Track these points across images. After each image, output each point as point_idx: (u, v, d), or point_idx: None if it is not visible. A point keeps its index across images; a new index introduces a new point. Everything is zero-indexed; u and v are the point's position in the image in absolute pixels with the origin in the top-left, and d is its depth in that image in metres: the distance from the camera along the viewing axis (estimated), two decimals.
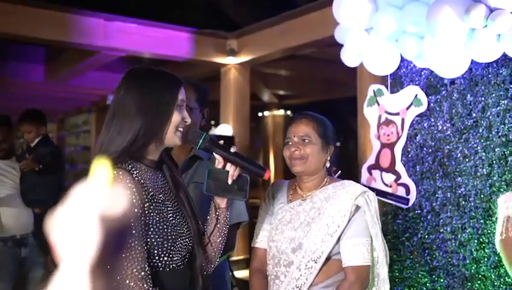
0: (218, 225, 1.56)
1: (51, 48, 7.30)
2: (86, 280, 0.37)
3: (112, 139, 1.36)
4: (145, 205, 1.32)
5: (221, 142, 1.54)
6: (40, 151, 3.87)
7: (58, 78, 7.91)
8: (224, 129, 6.23)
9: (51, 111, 11.00)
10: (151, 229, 1.32)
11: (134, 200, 1.28)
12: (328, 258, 1.78)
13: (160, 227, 1.34)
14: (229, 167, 1.52)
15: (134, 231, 1.26)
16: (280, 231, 1.85)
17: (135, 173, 1.34)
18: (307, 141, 1.85)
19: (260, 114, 11.10)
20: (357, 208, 1.80)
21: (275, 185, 2.02)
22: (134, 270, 1.23)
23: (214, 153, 1.54)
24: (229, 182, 1.52)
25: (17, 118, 4.06)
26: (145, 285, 1.24)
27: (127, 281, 1.22)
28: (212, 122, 8.00)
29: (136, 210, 1.28)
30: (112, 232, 0.39)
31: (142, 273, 1.25)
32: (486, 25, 2.23)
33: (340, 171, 2.02)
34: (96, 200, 0.39)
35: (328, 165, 1.92)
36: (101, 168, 0.40)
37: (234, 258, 5.77)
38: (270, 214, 1.95)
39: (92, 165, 0.41)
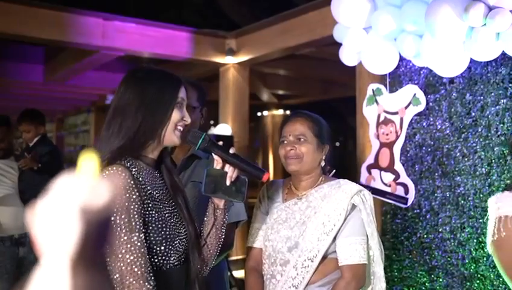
0: (216, 226, 1.55)
1: (49, 47, 7.30)
2: (66, 274, 0.36)
3: (112, 136, 1.37)
4: (145, 202, 1.31)
5: (220, 142, 1.54)
6: (39, 151, 3.89)
7: (57, 78, 7.90)
8: (223, 129, 6.22)
9: (50, 111, 11.00)
10: (150, 227, 1.32)
11: (134, 196, 1.28)
12: (324, 257, 1.78)
13: (159, 225, 1.34)
14: (228, 168, 1.51)
15: (134, 227, 1.26)
16: (276, 230, 1.85)
17: (134, 170, 1.33)
18: (302, 140, 1.85)
19: (259, 114, 11.10)
20: (353, 206, 1.80)
21: (270, 184, 2.02)
22: (134, 267, 1.23)
23: (212, 154, 1.53)
24: (227, 183, 1.51)
25: (16, 118, 4.08)
26: (146, 283, 1.24)
27: (127, 277, 1.22)
28: (212, 122, 8.00)
29: (136, 206, 1.27)
30: (93, 226, 0.38)
31: (142, 269, 1.25)
32: (485, 24, 2.22)
33: (334, 170, 2.01)
34: (78, 193, 0.38)
35: (323, 164, 1.92)
36: (87, 161, 0.39)
37: (233, 257, 5.76)
38: (266, 213, 1.95)
39: (79, 159, 0.40)
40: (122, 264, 1.22)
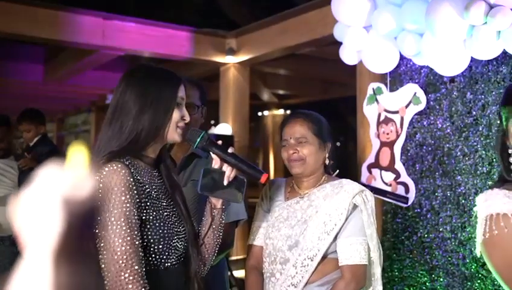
0: (213, 226, 1.55)
1: (49, 47, 7.29)
2: (49, 267, 0.36)
3: (113, 137, 1.36)
4: (142, 201, 1.31)
5: (220, 142, 1.53)
6: (39, 150, 3.88)
7: (57, 78, 7.90)
8: (224, 128, 6.22)
9: (50, 111, 11.01)
10: (148, 225, 1.31)
11: (133, 193, 1.28)
12: (324, 257, 1.77)
13: (157, 224, 1.33)
14: (226, 168, 1.50)
15: (134, 225, 1.25)
16: (277, 229, 1.84)
17: (132, 168, 1.33)
18: (303, 141, 1.83)
19: (260, 114, 11.10)
20: (354, 206, 1.79)
21: (272, 183, 2.01)
22: (133, 263, 1.23)
23: (211, 153, 1.52)
24: (225, 183, 1.50)
25: (16, 118, 4.08)
26: (142, 281, 1.24)
27: (127, 275, 1.22)
28: (212, 122, 7.99)
29: (133, 203, 1.27)
30: (77, 218, 0.37)
31: (140, 266, 1.25)
32: (486, 22, 2.22)
33: (338, 170, 2.00)
34: (62, 183, 0.37)
35: (327, 162, 1.90)
36: (76, 154, 0.39)
37: (233, 257, 5.75)
38: (267, 211, 1.94)
39: (68, 153, 0.39)
40: (120, 260, 1.21)
